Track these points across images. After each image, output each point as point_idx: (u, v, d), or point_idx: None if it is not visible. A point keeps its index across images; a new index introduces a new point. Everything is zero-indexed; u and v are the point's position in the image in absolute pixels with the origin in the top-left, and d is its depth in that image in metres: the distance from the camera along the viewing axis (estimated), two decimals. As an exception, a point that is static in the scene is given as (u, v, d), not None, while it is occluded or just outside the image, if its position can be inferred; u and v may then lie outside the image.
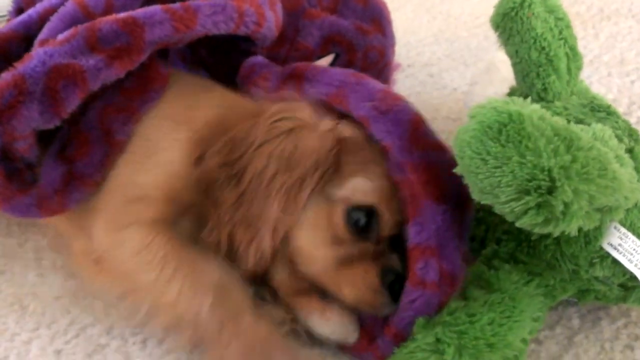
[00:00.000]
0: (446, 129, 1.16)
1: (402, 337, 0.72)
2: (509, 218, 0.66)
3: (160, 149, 0.80)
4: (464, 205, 0.76)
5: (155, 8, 0.81)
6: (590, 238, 0.71)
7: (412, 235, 0.73)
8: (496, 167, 0.63)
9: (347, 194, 0.75)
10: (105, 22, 0.79)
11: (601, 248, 0.70)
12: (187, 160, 0.78)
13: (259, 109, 0.79)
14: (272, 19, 0.90)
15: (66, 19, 0.85)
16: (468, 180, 0.67)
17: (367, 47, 1.03)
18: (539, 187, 0.62)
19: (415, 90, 1.18)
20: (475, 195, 0.67)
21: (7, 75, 0.77)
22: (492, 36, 0.89)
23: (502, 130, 0.63)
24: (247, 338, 0.71)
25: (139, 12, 0.81)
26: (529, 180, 0.62)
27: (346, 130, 0.78)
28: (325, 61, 1.02)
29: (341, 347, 0.77)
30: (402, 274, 0.73)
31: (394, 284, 0.73)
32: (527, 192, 0.63)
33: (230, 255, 0.74)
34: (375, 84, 0.81)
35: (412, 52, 1.40)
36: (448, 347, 0.68)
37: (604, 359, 0.75)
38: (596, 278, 0.72)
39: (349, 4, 1.06)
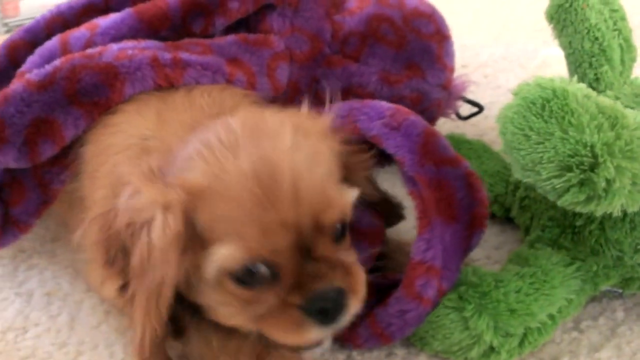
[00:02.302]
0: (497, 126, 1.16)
1: (386, 339, 0.72)
2: (551, 197, 0.66)
3: (90, 207, 0.76)
4: (475, 224, 0.74)
5: (142, 59, 0.79)
6: (636, 223, 0.70)
7: (418, 250, 0.71)
8: (538, 143, 0.64)
9: (215, 270, 0.63)
10: (86, 71, 0.78)
11: (646, 234, 0.69)
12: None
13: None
14: (267, 84, 0.87)
15: (45, 56, 0.85)
16: (510, 157, 0.67)
17: (393, 98, 0.92)
18: (581, 163, 0.62)
19: (468, 89, 1.18)
20: (518, 173, 0.68)
21: None
22: (551, 41, 0.89)
23: (546, 105, 0.64)
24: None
25: (123, 59, 0.78)
26: (571, 156, 0.62)
27: (196, 172, 0.63)
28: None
29: None
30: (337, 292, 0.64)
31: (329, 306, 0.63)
32: (569, 169, 0.63)
33: None
34: (383, 103, 0.79)
35: (468, 53, 1.40)
36: (469, 304, 0.69)
37: (647, 351, 0.74)
38: (640, 265, 0.72)
39: (376, 50, 0.95)
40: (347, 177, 0.70)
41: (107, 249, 0.67)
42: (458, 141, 1.01)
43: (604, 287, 0.76)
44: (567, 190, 0.64)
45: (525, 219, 0.84)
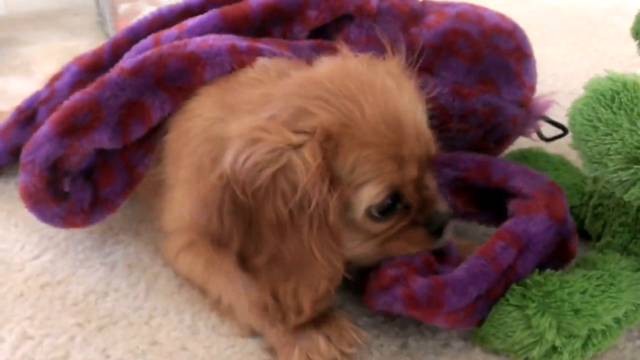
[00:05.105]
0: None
1: (442, 290, 0.70)
2: (618, 191, 0.66)
3: (171, 186, 0.86)
4: (563, 254, 0.76)
5: (221, 47, 0.86)
6: None
7: (511, 223, 0.74)
8: (606, 135, 0.64)
9: (363, 209, 0.71)
10: (172, 58, 0.86)
11: None
12: (189, 199, 0.76)
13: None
14: None
15: (139, 50, 0.94)
16: (579, 150, 0.68)
17: (464, 111, 0.96)
18: (649, 155, 0.62)
19: (555, 113, 1.17)
20: (586, 167, 0.68)
21: (81, 97, 0.86)
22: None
23: (615, 97, 0.64)
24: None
25: (204, 48, 0.86)
26: (639, 148, 0.62)
27: (324, 118, 0.69)
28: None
29: None
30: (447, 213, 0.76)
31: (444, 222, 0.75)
32: (636, 161, 0.62)
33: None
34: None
35: (559, 82, 1.40)
36: (532, 302, 0.68)
37: None
38: None
39: (449, 63, 0.96)
40: None
41: (217, 225, 0.69)
42: (536, 154, 1.01)
43: (674, 296, 0.73)
44: (634, 183, 0.63)
45: (598, 227, 0.83)
